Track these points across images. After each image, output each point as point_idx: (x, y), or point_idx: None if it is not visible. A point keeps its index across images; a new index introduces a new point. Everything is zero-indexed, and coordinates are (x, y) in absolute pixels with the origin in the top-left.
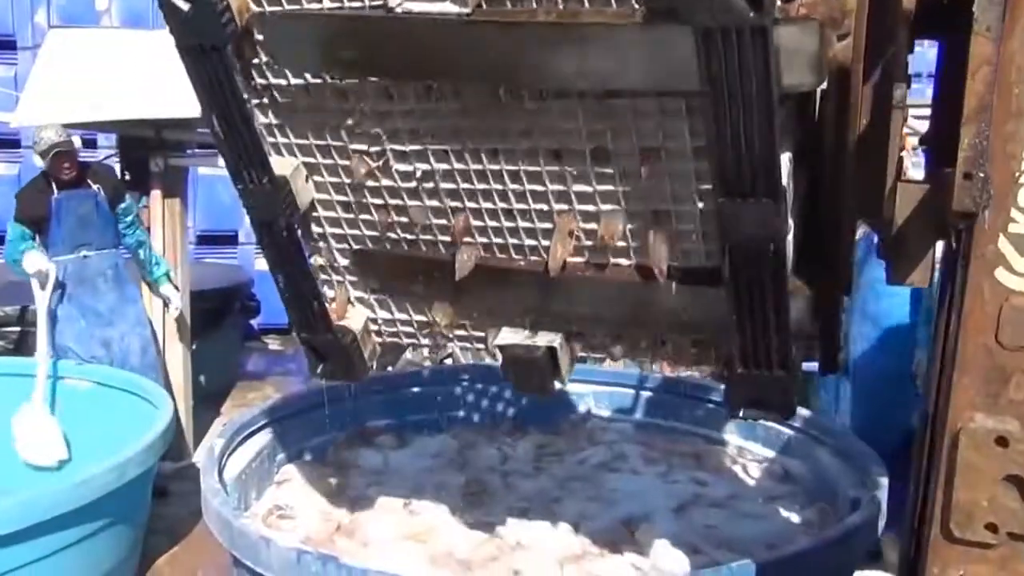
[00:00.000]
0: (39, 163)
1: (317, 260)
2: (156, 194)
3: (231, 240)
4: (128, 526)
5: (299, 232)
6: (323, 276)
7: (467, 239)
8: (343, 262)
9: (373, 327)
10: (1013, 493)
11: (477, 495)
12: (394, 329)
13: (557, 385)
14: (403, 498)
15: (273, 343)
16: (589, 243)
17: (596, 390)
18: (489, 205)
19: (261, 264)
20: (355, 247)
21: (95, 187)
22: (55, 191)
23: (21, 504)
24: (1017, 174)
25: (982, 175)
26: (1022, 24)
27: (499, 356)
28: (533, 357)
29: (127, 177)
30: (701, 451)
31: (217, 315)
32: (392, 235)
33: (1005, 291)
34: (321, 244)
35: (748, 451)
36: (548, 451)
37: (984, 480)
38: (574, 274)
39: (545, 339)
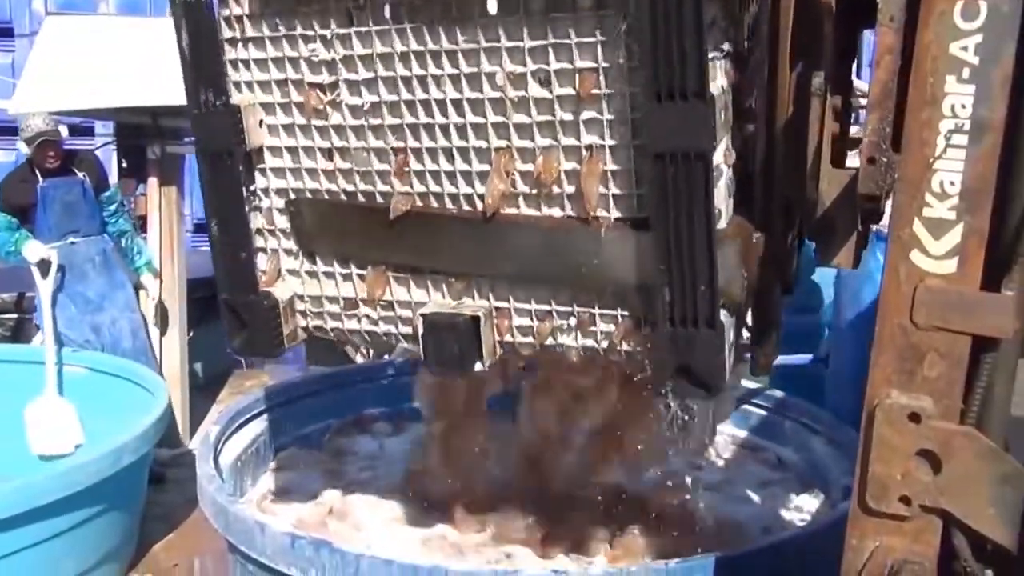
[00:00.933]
0: (25, 150)
1: (256, 219)
2: (153, 181)
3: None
4: (124, 512)
5: (243, 177)
6: (259, 241)
7: (405, 188)
8: (281, 224)
9: (299, 305)
10: (925, 467)
11: None
12: (320, 309)
13: (477, 366)
14: (397, 483)
15: None
16: (526, 188)
17: None
18: (430, 143)
19: None
20: (293, 198)
21: (80, 174)
22: (40, 179)
23: (16, 490)
24: (931, 160)
25: (885, 160)
26: (936, 14)
27: (420, 328)
28: (454, 324)
29: (124, 165)
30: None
31: (213, 303)
32: (333, 186)
33: (920, 273)
34: (262, 201)
35: (741, 439)
36: None
37: (898, 455)
38: (507, 225)
39: (470, 308)
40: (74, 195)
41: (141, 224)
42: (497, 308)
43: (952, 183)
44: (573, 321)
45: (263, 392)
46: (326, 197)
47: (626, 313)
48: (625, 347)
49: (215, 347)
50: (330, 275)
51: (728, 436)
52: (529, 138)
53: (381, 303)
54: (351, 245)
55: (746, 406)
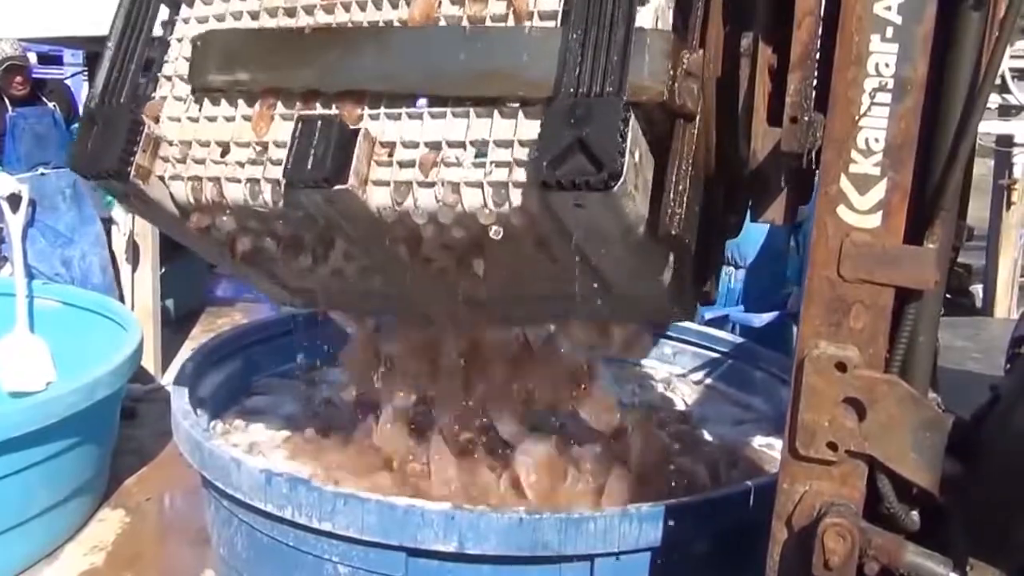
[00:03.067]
0: None
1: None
2: None
3: None
4: (96, 446)
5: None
6: (152, 88)
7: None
8: (180, 70)
9: (164, 150)
10: (851, 414)
11: None
12: (185, 154)
13: (338, 186)
14: None
15: None
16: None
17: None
18: None
19: None
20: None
21: (51, 104)
22: (9, 108)
23: None
24: (857, 118)
25: (807, 119)
26: None
27: (291, 134)
28: (329, 123)
29: None
30: (671, 379)
31: None
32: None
33: (846, 227)
34: (171, 36)
35: (713, 387)
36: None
37: (825, 402)
38: (426, 31)
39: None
40: (44, 125)
41: None
42: (382, 142)
43: (877, 140)
44: (462, 153)
45: (239, 329)
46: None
47: (525, 135)
48: (513, 176)
49: (187, 284)
50: (212, 119)
51: (699, 384)
52: None
53: (256, 144)
54: (254, 71)
55: (716, 355)
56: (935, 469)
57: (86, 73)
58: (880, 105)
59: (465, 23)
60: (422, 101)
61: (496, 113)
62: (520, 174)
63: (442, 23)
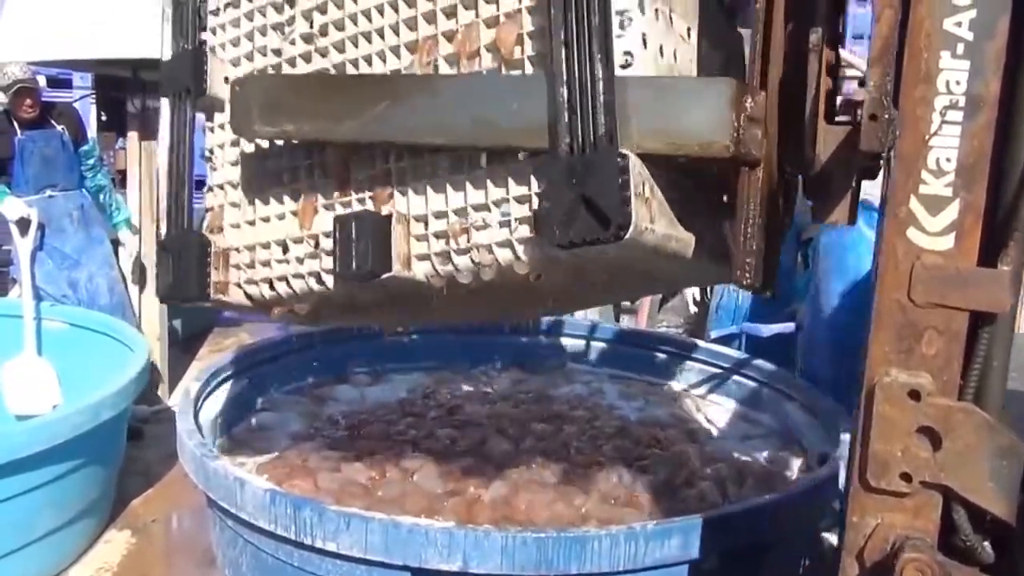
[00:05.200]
0: (1, 99)
1: (210, 176)
2: (133, 136)
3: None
4: (102, 467)
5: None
6: (208, 199)
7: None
8: (229, 177)
9: (235, 258)
10: (925, 444)
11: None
12: (252, 257)
13: (385, 274)
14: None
15: None
16: (447, 67)
17: (573, 343)
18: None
19: None
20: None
21: (59, 127)
22: (18, 131)
23: None
24: (927, 137)
25: (887, 116)
26: None
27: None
28: (362, 219)
29: (103, 118)
30: (677, 394)
31: None
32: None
33: (917, 250)
34: (215, 155)
35: (720, 404)
36: (525, 387)
37: (898, 432)
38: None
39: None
40: (53, 148)
41: (121, 179)
42: (415, 216)
43: (948, 160)
44: (488, 215)
45: (244, 350)
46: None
47: (540, 187)
48: (537, 232)
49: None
50: (266, 219)
51: (706, 400)
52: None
53: (308, 237)
54: (290, 117)
55: (722, 371)
56: (1012, 498)
57: (94, 96)
58: (951, 124)
59: (455, 71)
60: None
61: (508, 170)
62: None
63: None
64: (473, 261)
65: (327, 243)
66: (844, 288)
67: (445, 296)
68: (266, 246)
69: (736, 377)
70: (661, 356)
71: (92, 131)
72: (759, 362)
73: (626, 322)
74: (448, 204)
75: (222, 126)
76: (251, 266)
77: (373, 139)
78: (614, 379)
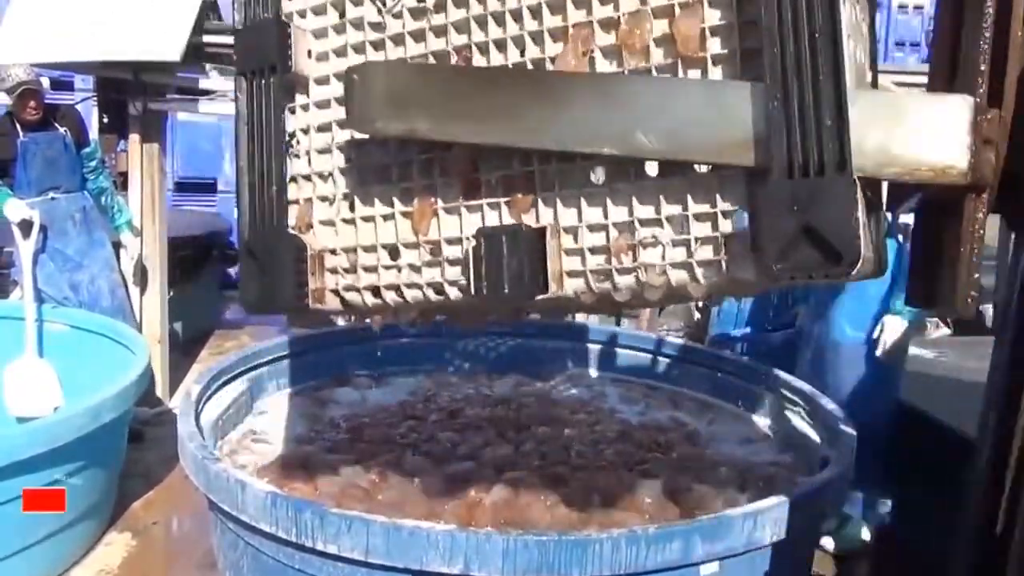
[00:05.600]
0: (5, 101)
1: (293, 144)
2: (134, 138)
3: (210, 188)
4: (103, 469)
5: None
6: (291, 191)
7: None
8: (318, 167)
9: (331, 260)
10: None
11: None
12: (354, 261)
13: (541, 295)
14: None
15: None
16: (606, 63)
17: (575, 346)
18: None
19: None
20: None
21: (62, 129)
22: (20, 133)
23: None
24: None
25: None
26: None
27: (471, 252)
28: (515, 235)
29: (104, 120)
30: (677, 398)
31: (195, 262)
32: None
33: None
34: (299, 142)
35: (721, 407)
36: (526, 390)
37: None
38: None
39: (534, 217)
40: (55, 150)
41: (122, 181)
42: (565, 228)
43: None
44: (660, 232)
45: (245, 352)
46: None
47: (728, 205)
48: (726, 254)
49: (195, 307)
50: (369, 219)
51: (706, 403)
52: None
53: (426, 243)
54: (422, 112)
55: (722, 375)
56: None
57: (96, 98)
58: None
59: (616, 66)
60: (598, 176)
61: (686, 183)
62: (733, 248)
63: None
64: (639, 281)
65: (451, 251)
66: (840, 292)
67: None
68: (370, 249)
69: (737, 381)
70: (662, 359)
71: (94, 133)
72: (760, 366)
73: (627, 326)
74: (608, 217)
75: (305, 107)
76: (351, 271)
77: (530, 145)
78: (615, 382)
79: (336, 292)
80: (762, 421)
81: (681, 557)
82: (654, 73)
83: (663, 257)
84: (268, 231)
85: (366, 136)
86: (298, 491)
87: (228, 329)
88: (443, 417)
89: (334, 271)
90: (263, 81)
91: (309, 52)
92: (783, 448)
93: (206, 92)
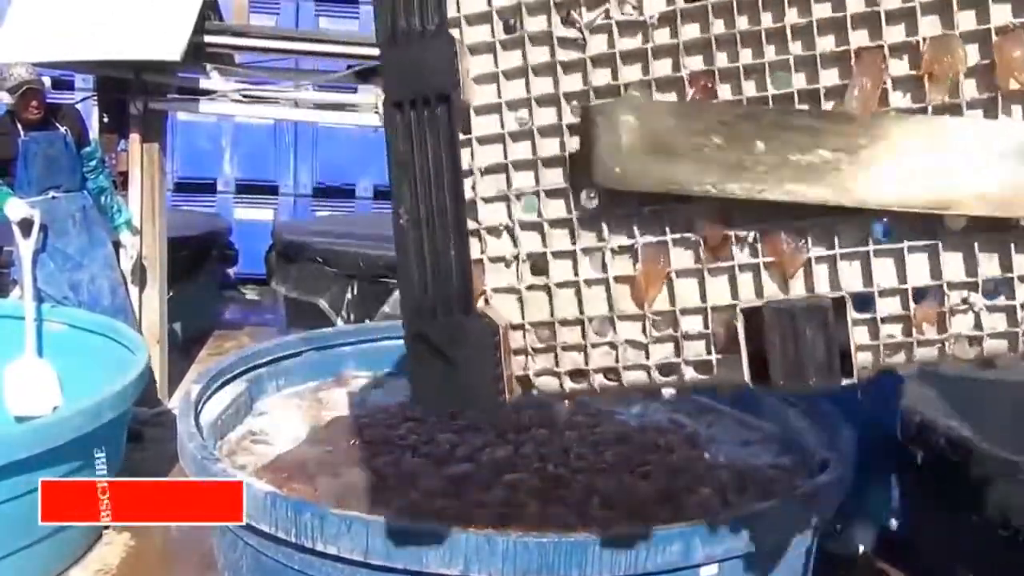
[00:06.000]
0: (7, 100)
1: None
2: (135, 137)
3: (210, 188)
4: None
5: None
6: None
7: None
8: (489, 220)
9: (517, 339)
10: None
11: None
12: (550, 340)
13: (847, 380)
14: None
15: (250, 293)
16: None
17: None
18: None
19: (240, 213)
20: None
21: (62, 128)
22: (21, 132)
23: None
24: None
25: None
26: None
27: (742, 330)
28: (812, 312)
29: (105, 120)
30: (676, 401)
31: (194, 262)
32: None
33: None
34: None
35: (720, 409)
36: None
37: None
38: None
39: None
40: (56, 149)
41: (122, 181)
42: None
43: None
44: (974, 298)
45: (244, 353)
46: None
47: None
48: None
49: (195, 307)
50: (566, 284)
51: (705, 405)
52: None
53: (655, 315)
54: (690, 164)
55: None
56: None
57: (96, 98)
58: None
59: (913, 102)
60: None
61: (1007, 237)
62: None
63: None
64: (943, 352)
65: (691, 324)
66: None
67: None
68: (574, 324)
69: None
70: None
71: (94, 133)
72: None
73: None
74: (907, 279)
75: (481, 140)
76: (545, 351)
77: (838, 203)
78: None
79: (525, 379)
80: (761, 423)
81: (681, 559)
82: (964, 110)
83: (979, 326)
84: (447, 306)
85: (560, 184)
86: (297, 492)
87: (227, 330)
88: (443, 419)
89: (521, 352)
90: (429, 112)
91: (466, 72)
92: (782, 450)
93: (207, 92)
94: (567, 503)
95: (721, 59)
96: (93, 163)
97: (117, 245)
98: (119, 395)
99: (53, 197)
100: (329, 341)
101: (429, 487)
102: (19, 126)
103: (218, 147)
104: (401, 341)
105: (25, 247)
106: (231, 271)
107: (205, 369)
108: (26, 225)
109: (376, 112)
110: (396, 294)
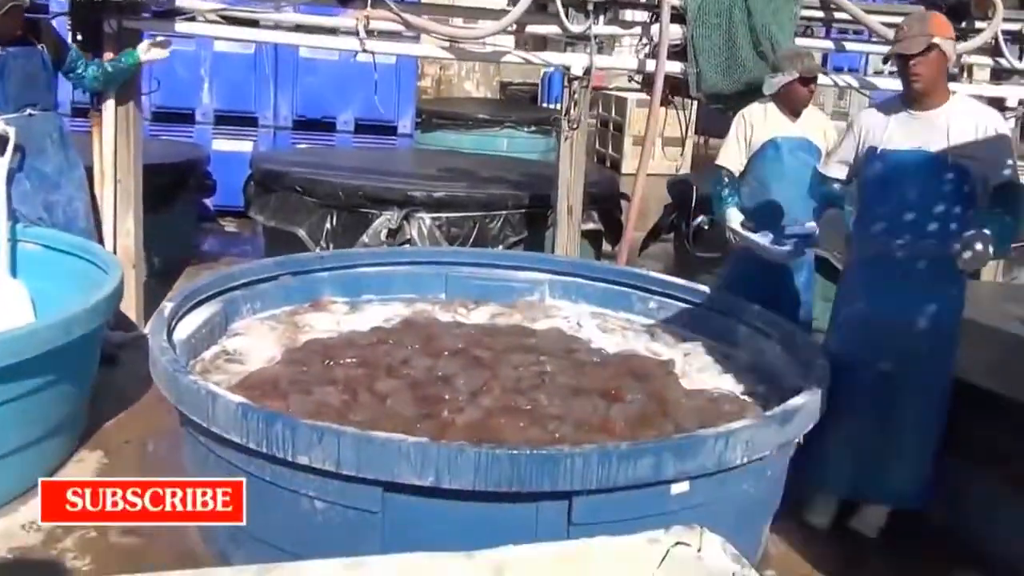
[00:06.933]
0: None
1: None
2: (109, 56)
3: (188, 118)
4: (73, 387)
5: None
6: None
7: None
8: None
9: None
10: None
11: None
12: None
13: None
14: None
15: (229, 225)
16: None
17: (552, 279)
18: None
19: (219, 144)
20: None
21: (40, 45)
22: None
23: None
24: None
25: None
26: None
27: None
28: None
29: (79, 39)
30: (654, 330)
31: (171, 191)
32: None
33: None
34: None
35: (698, 339)
36: (503, 320)
37: None
38: None
39: None
40: (34, 66)
41: (96, 102)
42: None
43: None
44: None
45: (219, 274)
46: None
47: None
48: None
49: (172, 236)
50: None
51: (683, 336)
52: None
53: None
54: None
55: (698, 309)
56: None
57: (70, 17)
58: None
59: None
60: None
61: None
62: None
63: None
64: None
65: None
66: None
67: None
68: None
69: (714, 314)
70: (640, 293)
71: None
72: (736, 300)
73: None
74: None
75: None
76: None
77: None
78: (593, 315)
79: None
80: (738, 353)
81: (652, 474)
82: None
83: None
84: None
85: None
86: (273, 408)
87: (206, 261)
88: (418, 343)
89: None
90: None
91: None
92: (758, 380)
93: (183, 12)
94: (542, 425)
95: None
96: (80, 61)
97: (89, 168)
98: (90, 311)
99: (30, 115)
100: (305, 266)
101: (402, 407)
102: None
103: (196, 77)
104: (379, 267)
105: (0, 165)
106: (209, 202)
107: (180, 288)
108: (1, 142)
109: (358, 36)
110: (375, 224)
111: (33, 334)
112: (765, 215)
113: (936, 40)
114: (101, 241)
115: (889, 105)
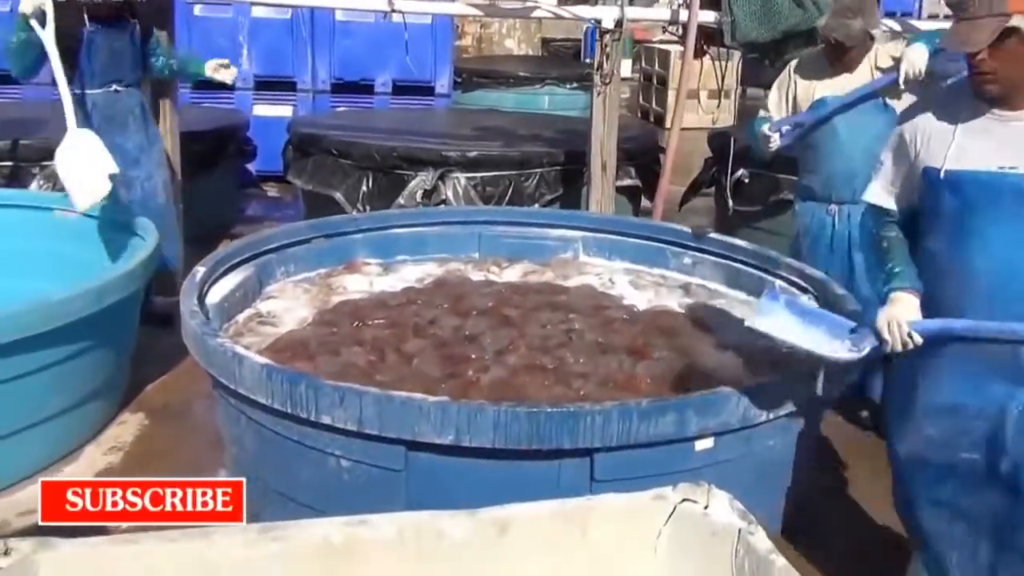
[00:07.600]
0: None
1: None
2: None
3: (227, 84)
4: (111, 351)
5: None
6: None
7: None
8: None
9: None
10: None
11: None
12: None
13: None
14: None
15: (271, 190)
16: None
17: (585, 236)
18: None
19: (259, 110)
20: None
21: (133, 20)
22: (87, 23)
23: None
24: None
25: None
26: None
27: None
28: None
29: None
30: (688, 287)
31: (212, 157)
32: None
33: None
34: None
35: (732, 296)
36: (534, 277)
37: None
38: None
39: None
40: (122, 43)
41: None
42: None
43: None
44: None
45: (252, 238)
46: None
47: None
48: None
49: (214, 202)
50: None
51: (717, 292)
52: None
53: None
54: None
55: (734, 264)
56: None
57: None
58: None
59: None
60: None
61: None
62: None
63: None
64: None
65: None
66: None
67: None
68: None
69: (749, 269)
70: (674, 249)
71: None
72: (772, 254)
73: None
74: None
75: None
76: None
77: None
78: (626, 272)
79: None
80: None
81: (675, 431)
82: None
83: None
84: None
85: None
86: (299, 369)
87: (248, 224)
88: (448, 302)
89: None
90: None
91: None
92: None
93: None
94: (566, 383)
95: None
96: (159, 50)
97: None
98: (126, 277)
99: (116, 91)
100: (338, 228)
101: (428, 367)
102: (85, 17)
103: (235, 43)
104: (411, 229)
105: (47, 37)
106: (251, 167)
107: (213, 253)
108: (39, 14)
109: None
110: (411, 185)
111: (69, 301)
112: (831, 180)
113: (1015, 22)
114: (180, 218)
115: (954, 99)
